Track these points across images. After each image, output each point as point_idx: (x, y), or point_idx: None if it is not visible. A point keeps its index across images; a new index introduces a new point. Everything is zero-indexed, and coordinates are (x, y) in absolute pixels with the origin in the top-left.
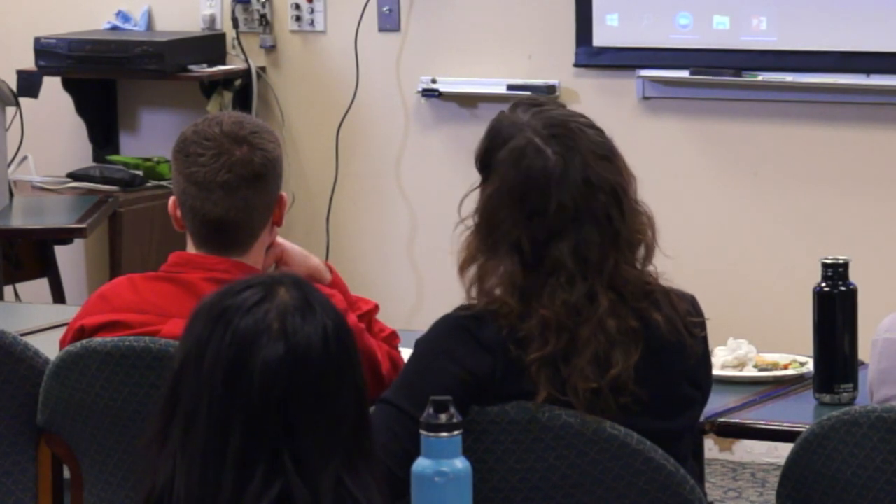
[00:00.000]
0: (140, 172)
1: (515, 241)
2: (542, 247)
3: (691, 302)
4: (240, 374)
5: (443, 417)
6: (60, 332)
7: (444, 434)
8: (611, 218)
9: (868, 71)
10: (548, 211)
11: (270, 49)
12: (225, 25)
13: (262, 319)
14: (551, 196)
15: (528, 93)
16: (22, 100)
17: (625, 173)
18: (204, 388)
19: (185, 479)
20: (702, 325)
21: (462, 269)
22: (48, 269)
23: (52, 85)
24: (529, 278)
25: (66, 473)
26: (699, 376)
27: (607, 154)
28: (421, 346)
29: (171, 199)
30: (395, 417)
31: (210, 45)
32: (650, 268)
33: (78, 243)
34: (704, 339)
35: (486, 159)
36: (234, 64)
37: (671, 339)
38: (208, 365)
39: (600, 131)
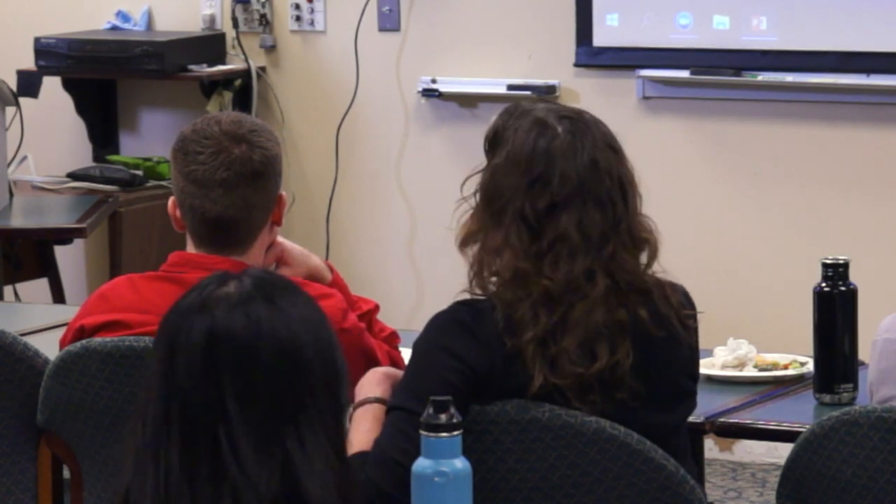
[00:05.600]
0: (140, 172)
1: (519, 209)
2: (545, 216)
3: (683, 293)
4: (171, 358)
5: (443, 417)
6: (60, 332)
7: (444, 434)
8: (614, 203)
9: (868, 71)
10: (551, 180)
11: (270, 49)
12: (225, 25)
13: (194, 305)
14: (556, 166)
15: (528, 93)
16: (22, 100)
17: (632, 172)
18: (148, 382)
19: (139, 476)
20: (694, 317)
21: (463, 244)
22: (48, 269)
23: (52, 85)
24: (533, 246)
25: (66, 473)
26: (693, 368)
27: (616, 148)
28: (419, 346)
29: (171, 200)
30: (405, 419)
31: (210, 45)
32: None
33: (78, 243)
34: (696, 331)
35: (496, 137)
36: (234, 64)
37: (661, 333)
38: (153, 359)
39: (612, 133)
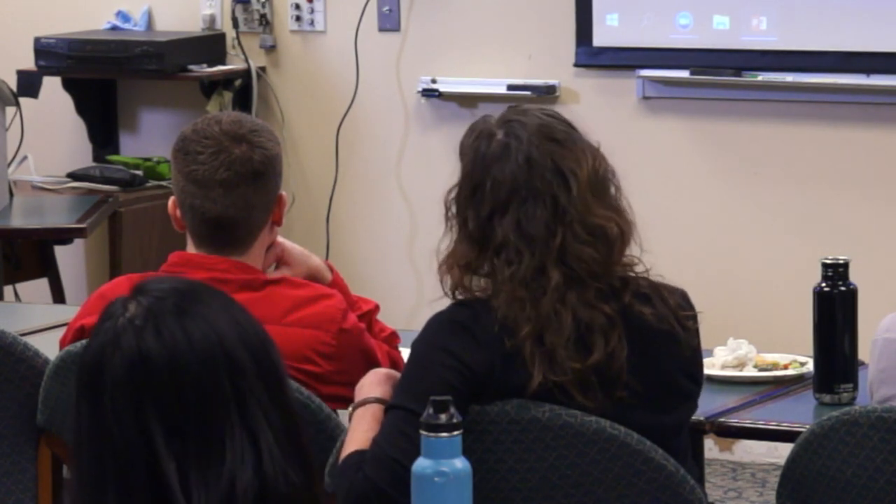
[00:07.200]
0: (140, 172)
1: (464, 220)
2: (487, 223)
3: (682, 295)
4: (96, 399)
5: (443, 417)
6: (60, 332)
7: (444, 434)
8: (556, 196)
9: (868, 71)
10: (485, 187)
11: (270, 49)
12: (225, 25)
13: (105, 341)
14: (490, 172)
15: (527, 93)
16: (22, 100)
17: (582, 159)
18: (76, 425)
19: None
20: (694, 318)
21: (440, 266)
22: (48, 269)
23: (52, 85)
24: (480, 258)
25: (66, 473)
26: (694, 369)
27: (559, 139)
28: (417, 346)
29: (171, 199)
30: (404, 419)
31: (210, 45)
32: (639, 266)
33: (78, 243)
34: (697, 332)
35: (460, 155)
36: (234, 64)
37: (661, 329)
38: (77, 401)
39: (565, 122)
